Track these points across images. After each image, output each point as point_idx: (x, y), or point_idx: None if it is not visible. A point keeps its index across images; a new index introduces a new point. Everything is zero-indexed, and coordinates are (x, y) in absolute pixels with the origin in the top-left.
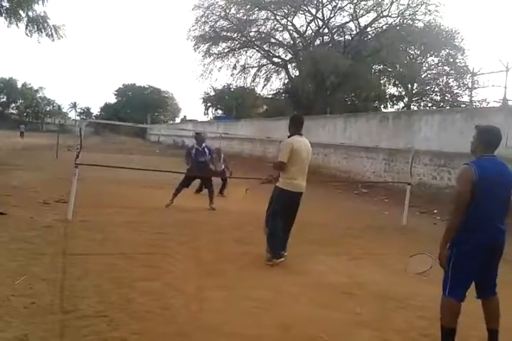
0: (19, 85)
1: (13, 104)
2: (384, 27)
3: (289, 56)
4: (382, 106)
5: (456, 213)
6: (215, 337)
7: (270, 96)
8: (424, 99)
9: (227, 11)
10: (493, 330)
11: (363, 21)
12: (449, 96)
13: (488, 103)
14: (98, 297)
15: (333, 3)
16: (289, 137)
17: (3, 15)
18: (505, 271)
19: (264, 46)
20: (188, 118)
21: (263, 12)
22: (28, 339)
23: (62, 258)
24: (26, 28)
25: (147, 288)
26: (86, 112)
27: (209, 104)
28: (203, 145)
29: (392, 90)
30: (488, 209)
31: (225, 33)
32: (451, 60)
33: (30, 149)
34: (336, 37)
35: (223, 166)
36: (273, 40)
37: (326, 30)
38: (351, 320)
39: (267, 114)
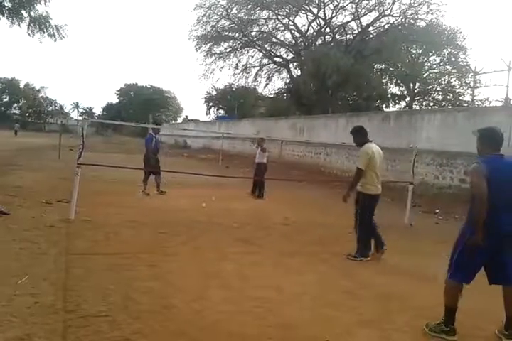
0: (21, 85)
1: (16, 104)
2: (386, 26)
3: (291, 56)
4: (384, 105)
5: (480, 206)
6: (216, 337)
7: (272, 95)
8: (426, 98)
9: (229, 11)
10: (511, 317)
11: (365, 21)
12: (451, 95)
13: (491, 102)
14: (100, 296)
15: (335, 3)
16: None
17: (5, 15)
18: None
19: (266, 46)
20: (190, 118)
21: (265, 12)
22: (30, 339)
23: (65, 257)
24: (28, 28)
25: (149, 287)
26: (88, 112)
27: (211, 104)
28: (157, 135)
29: (394, 89)
30: (497, 204)
31: (226, 33)
32: (453, 59)
33: (33, 149)
34: (337, 36)
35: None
36: (274, 40)
37: (327, 30)
38: (353, 320)
39: (268, 114)
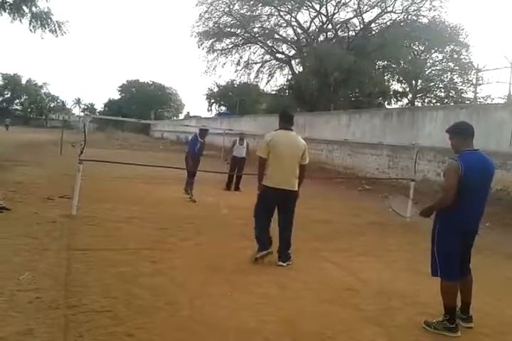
0: (23, 81)
1: (18, 100)
2: (388, 23)
3: (293, 52)
4: (386, 102)
5: (442, 203)
6: (218, 332)
7: (274, 92)
8: (428, 95)
9: (231, 7)
10: (467, 303)
11: (367, 17)
12: (454, 92)
13: (493, 99)
14: (102, 292)
15: None
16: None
17: (7, 11)
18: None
19: (268, 42)
20: (191, 114)
21: (267, 8)
22: (32, 334)
23: (67, 253)
24: (30, 24)
25: (151, 283)
26: (90, 108)
27: (212, 100)
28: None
29: (396, 86)
30: (471, 200)
31: (228, 29)
32: (456, 56)
33: (34, 145)
34: (339, 33)
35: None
36: (277, 36)
37: (329, 26)
38: (355, 316)
39: (270, 110)
